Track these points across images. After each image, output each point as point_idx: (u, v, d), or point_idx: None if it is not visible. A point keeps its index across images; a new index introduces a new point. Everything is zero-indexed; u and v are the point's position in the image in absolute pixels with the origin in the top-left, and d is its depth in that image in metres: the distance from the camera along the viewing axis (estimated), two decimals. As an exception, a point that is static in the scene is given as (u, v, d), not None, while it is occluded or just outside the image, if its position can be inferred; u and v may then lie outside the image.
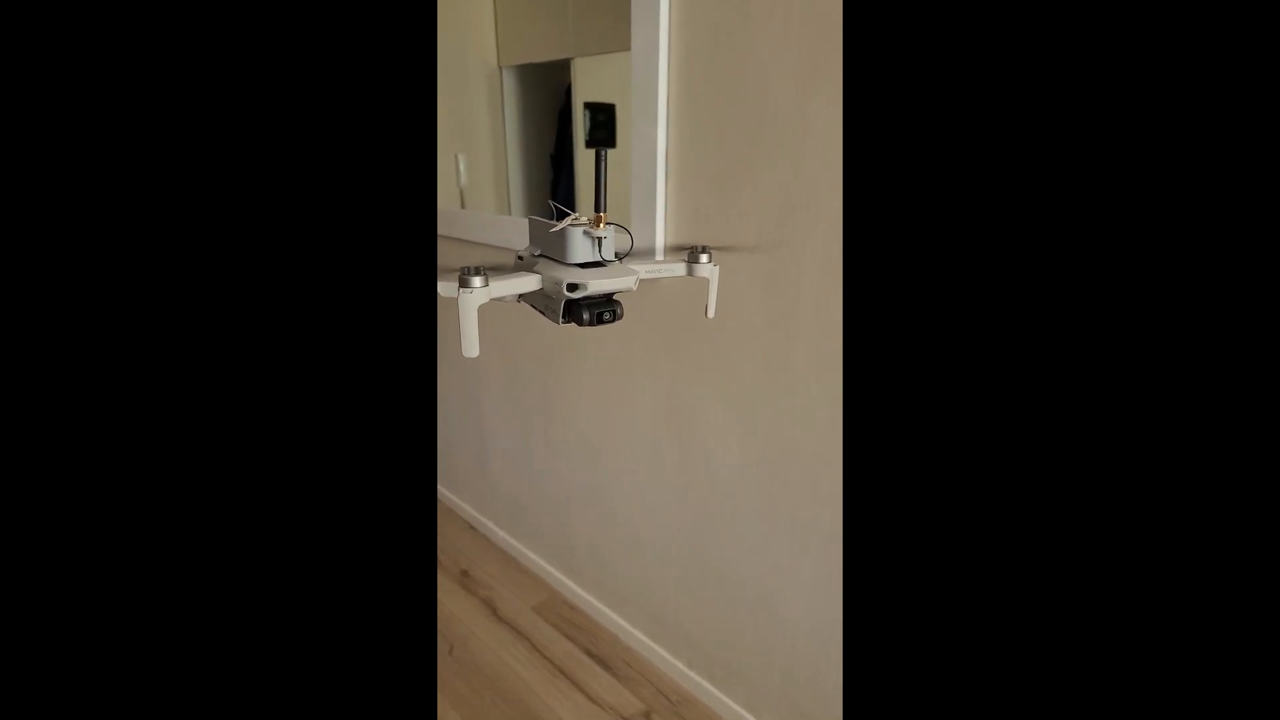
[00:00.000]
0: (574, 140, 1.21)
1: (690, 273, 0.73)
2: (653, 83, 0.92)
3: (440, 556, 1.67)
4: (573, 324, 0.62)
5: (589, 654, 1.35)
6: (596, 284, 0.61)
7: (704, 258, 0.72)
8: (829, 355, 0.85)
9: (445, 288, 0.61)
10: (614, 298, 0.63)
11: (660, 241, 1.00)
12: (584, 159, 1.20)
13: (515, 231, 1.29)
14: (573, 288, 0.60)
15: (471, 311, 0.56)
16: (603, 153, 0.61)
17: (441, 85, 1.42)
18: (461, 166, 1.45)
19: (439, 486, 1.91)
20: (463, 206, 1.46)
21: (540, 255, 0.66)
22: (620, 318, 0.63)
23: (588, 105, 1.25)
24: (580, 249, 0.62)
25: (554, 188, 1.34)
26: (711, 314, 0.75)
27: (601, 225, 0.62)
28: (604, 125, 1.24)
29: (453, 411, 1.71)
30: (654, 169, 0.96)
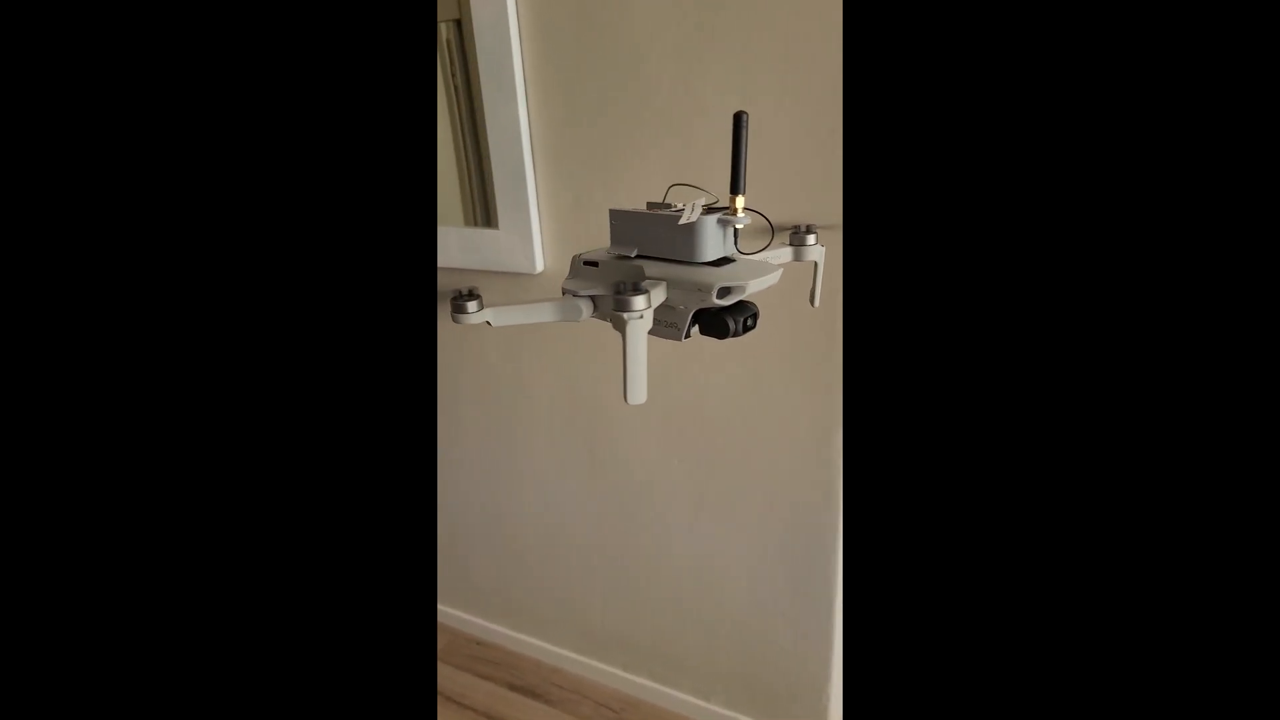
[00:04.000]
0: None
1: (797, 257, 0.60)
2: (505, 55, 0.84)
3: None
4: (691, 338, 0.49)
5: (512, 688, 1.25)
6: (755, 284, 0.47)
7: (811, 238, 0.59)
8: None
9: (567, 309, 0.46)
10: (747, 299, 0.50)
11: (536, 233, 0.93)
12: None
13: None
14: (725, 292, 0.46)
15: (639, 343, 0.43)
16: (743, 116, 0.46)
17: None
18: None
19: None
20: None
21: (639, 256, 0.51)
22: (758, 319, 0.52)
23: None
24: (713, 243, 0.48)
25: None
26: (818, 302, 0.63)
27: (739, 210, 0.48)
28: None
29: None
30: (519, 153, 0.89)
